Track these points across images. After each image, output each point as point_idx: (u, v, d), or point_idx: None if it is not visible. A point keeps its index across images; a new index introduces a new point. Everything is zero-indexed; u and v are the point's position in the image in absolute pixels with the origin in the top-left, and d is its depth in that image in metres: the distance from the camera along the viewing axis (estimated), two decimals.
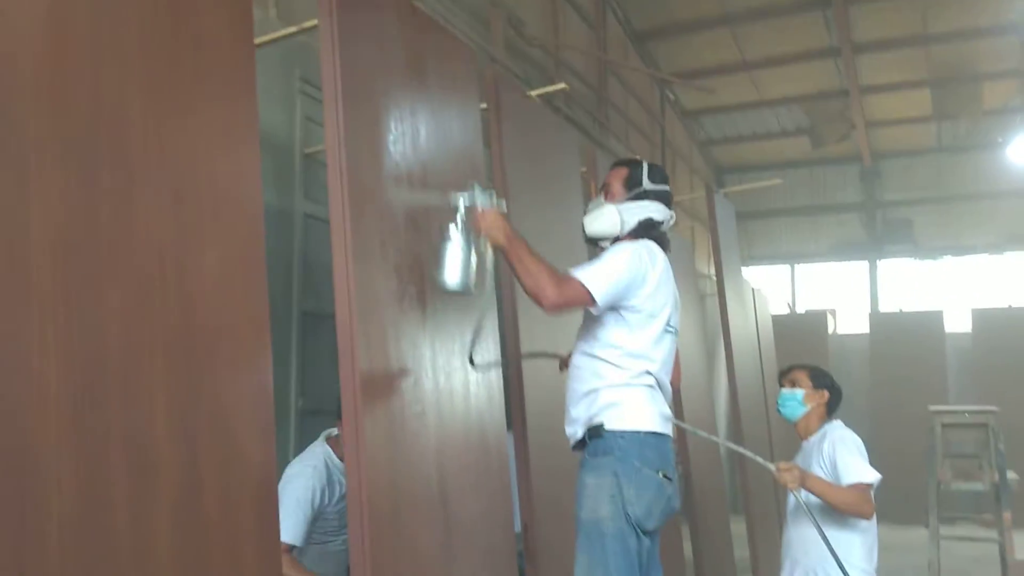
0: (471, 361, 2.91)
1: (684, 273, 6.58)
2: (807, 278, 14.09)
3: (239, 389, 2.06)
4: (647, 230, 2.88)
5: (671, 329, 2.87)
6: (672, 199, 3.04)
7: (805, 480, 3.21)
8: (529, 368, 3.61)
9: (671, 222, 2.98)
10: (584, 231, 2.99)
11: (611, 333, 2.78)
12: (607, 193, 3.00)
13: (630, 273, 2.72)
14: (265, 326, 2.15)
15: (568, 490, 2.81)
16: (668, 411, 2.83)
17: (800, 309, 13.68)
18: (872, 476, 3.24)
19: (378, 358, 2.56)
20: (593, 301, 2.67)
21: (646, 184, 2.94)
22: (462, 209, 2.67)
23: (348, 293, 2.49)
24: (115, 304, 1.75)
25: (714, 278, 7.35)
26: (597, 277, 2.69)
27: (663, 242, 2.94)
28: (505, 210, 2.73)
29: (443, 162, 3.08)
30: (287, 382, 4.14)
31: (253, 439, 2.08)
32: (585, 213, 3.03)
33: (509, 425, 3.49)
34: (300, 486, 3.32)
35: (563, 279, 2.65)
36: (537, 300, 2.63)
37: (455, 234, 2.65)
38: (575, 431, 2.82)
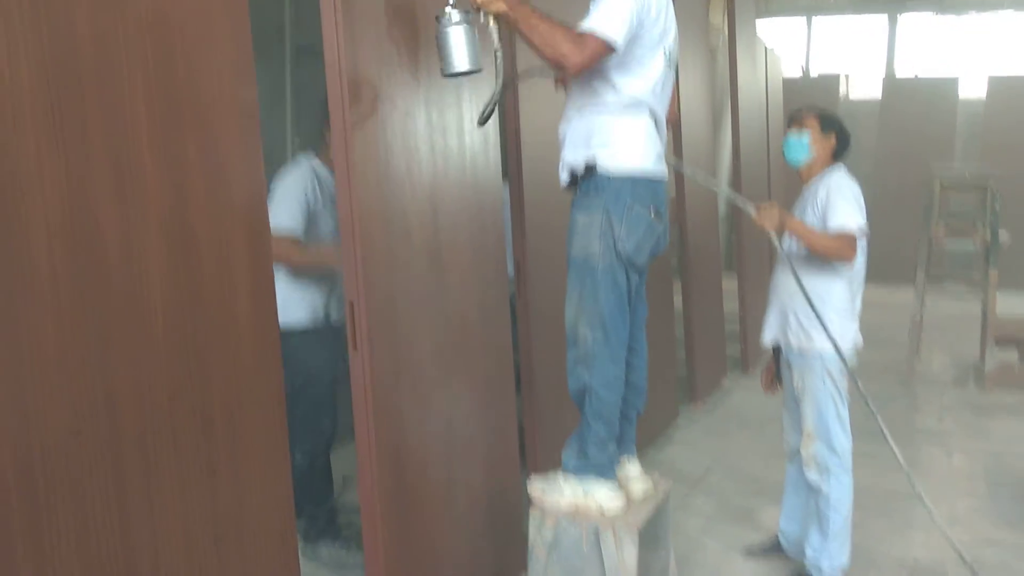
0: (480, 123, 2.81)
1: (694, 25, 6.33)
2: (823, 34, 13.53)
3: (223, 104, 2.03)
4: None
5: (669, 61, 2.78)
6: None
7: (785, 221, 3.24)
8: (526, 117, 3.56)
9: None
10: None
11: (611, 71, 2.70)
12: None
13: (637, 10, 2.60)
14: (246, 44, 2.09)
15: (561, 233, 2.85)
16: (662, 149, 2.80)
17: (813, 72, 13.28)
18: (856, 223, 3.26)
19: (367, 85, 2.52)
20: (613, 48, 2.55)
21: None
22: None
23: (335, 22, 2.41)
24: (85, 18, 1.69)
25: (726, 32, 7.09)
26: (610, 21, 2.55)
27: None
28: None
29: None
30: (283, 120, 4.10)
31: (240, 159, 2.08)
32: None
33: (506, 173, 3.50)
34: (289, 182, 3.42)
35: (579, 37, 2.52)
36: (560, 65, 2.52)
37: (453, 16, 2.49)
38: (566, 174, 2.80)
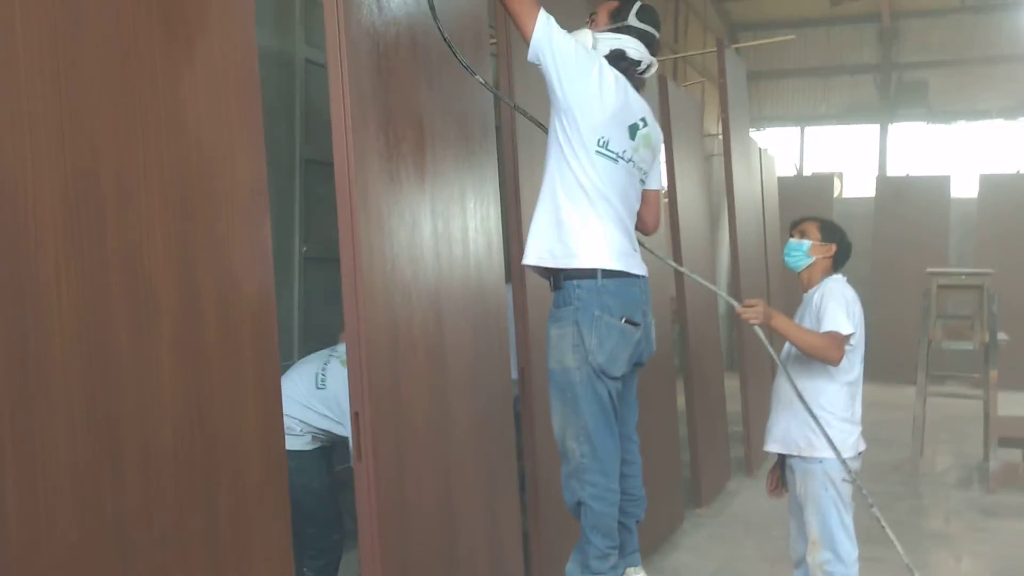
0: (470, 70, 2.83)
1: (691, 132, 6.51)
2: (816, 141, 13.89)
3: (236, 222, 2.09)
4: (615, 61, 2.81)
5: (627, 160, 2.80)
6: (657, 45, 2.96)
7: (770, 318, 3.28)
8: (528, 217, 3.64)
9: (651, 69, 2.91)
10: None
11: (560, 164, 2.73)
12: (592, 21, 2.95)
13: (575, 55, 2.67)
14: (260, 157, 2.16)
15: None
16: (626, 247, 2.79)
17: (807, 172, 13.56)
18: (847, 328, 3.30)
19: (374, 202, 2.59)
20: (529, 33, 2.63)
21: (632, 20, 2.87)
22: None
23: (345, 138, 2.49)
24: (107, 127, 1.76)
25: (721, 138, 7.28)
26: (552, 25, 2.64)
27: (635, 82, 2.88)
28: None
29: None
30: (291, 230, 4.19)
31: (252, 274, 2.13)
32: None
33: (508, 278, 3.56)
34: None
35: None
36: (516, 20, 2.65)
37: None
38: (529, 257, 2.81)
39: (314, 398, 3.48)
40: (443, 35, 2.74)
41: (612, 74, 2.75)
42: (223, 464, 2.02)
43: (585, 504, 2.69)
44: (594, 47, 2.80)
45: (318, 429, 3.51)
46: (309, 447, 3.51)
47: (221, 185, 2.05)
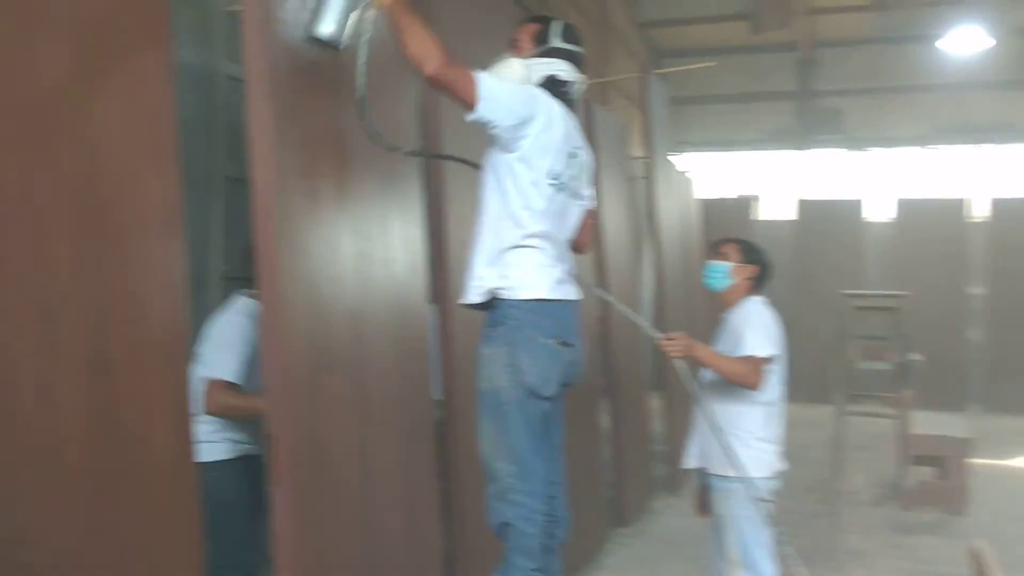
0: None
1: (616, 154, 6.58)
2: (738, 165, 14.20)
3: (147, 242, 2.03)
4: (552, 87, 2.81)
5: (565, 187, 2.80)
6: (584, 62, 2.95)
7: (692, 349, 3.31)
8: (455, 241, 3.62)
9: (581, 88, 2.91)
10: None
11: (499, 194, 2.72)
12: (515, 48, 2.90)
13: (522, 102, 2.62)
14: (173, 176, 2.11)
15: None
16: (563, 275, 2.81)
17: (729, 195, 13.85)
18: (765, 351, 3.35)
19: (293, 221, 2.54)
20: (473, 101, 2.50)
21: (556, 42, 2.86)
22: None
23: (263, 156, 2.44)
24: (11, 144, 1.69)
25: (645, 161, 7.39)
26: (491, 82, 2.55)
27: (569, 104, 2.87)
28: None
29: None
30: (208, 249, 4.08)
31: (162, 294, 2.07)
32: (488, 68, 2.85)
33: (433, 298, 3.53)
34: (224, 324, 3.34)
35: (456, 61, 2.47)
36: (419, 66, 2.44)
37: None
38: (470, 297, 2.78)
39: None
40: (366, 122, 2.65)
41: (556, 106, 2.75)
42: (131, 485, 1.95)
43: (511, 525, 2.67)
44: (526, 74, 2.80)
45: (233, 432, 3.40)
46: (229, 455, 3.39)
47: (131, 204, 1.99)
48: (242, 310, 3.38)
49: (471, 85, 2.49)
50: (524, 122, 2.63)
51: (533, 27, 2.91)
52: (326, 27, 2.58)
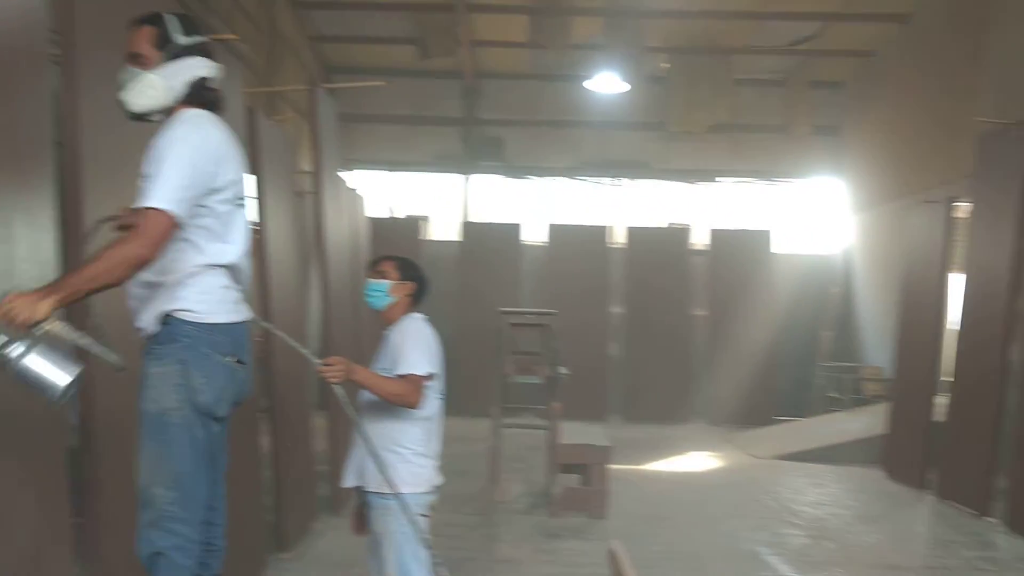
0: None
1: (282, 167, 6.41)
2: (406, 185, 14.53)
3: None
4: (200, 93, 2.67)
5: (241, 203, 2.74)
6: (212, 48, 2.77)
7: (351, 374, 3.28)
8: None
9: (220, 75, 2.75)
10: (128, 110, 2.65)
11: (199, 234, 2.62)
12: (139, 61, 2.65)
13: (198, 167, 2.53)
14: None
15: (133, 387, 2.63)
16: (240, 295, 2.73)
17: (398, 215, 14.12)
18: (424, 369, 3.42)
19: None
20: (176, 221, 2.46)
21: (180, 39, 2.65)
22: None
23: None
24: None
25: (314, 175, 7.29)
26: (165, 192, 2.44)
27: (218, 103, 2.74)
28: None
29: None
30: None
31: None
32: (119, 89, 2.66)
33: None
34: None
35: (132, 234, 2.42)
36: (138, 266, 2.42)
37: (15, 350, 2.26)
38: (146, 326, 2.62)
39: None
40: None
41: (222, 136, 2.66)
42: None
43: (164, 555, 2.51)
44: (168, 86, 2.62)
45: None
46: None
47: None
48: None
49: (166, 219, 2.44)
50: (215, 177, 2.59)
51: (148, 31, 2.66)
52: (59, 381, 2.33)
